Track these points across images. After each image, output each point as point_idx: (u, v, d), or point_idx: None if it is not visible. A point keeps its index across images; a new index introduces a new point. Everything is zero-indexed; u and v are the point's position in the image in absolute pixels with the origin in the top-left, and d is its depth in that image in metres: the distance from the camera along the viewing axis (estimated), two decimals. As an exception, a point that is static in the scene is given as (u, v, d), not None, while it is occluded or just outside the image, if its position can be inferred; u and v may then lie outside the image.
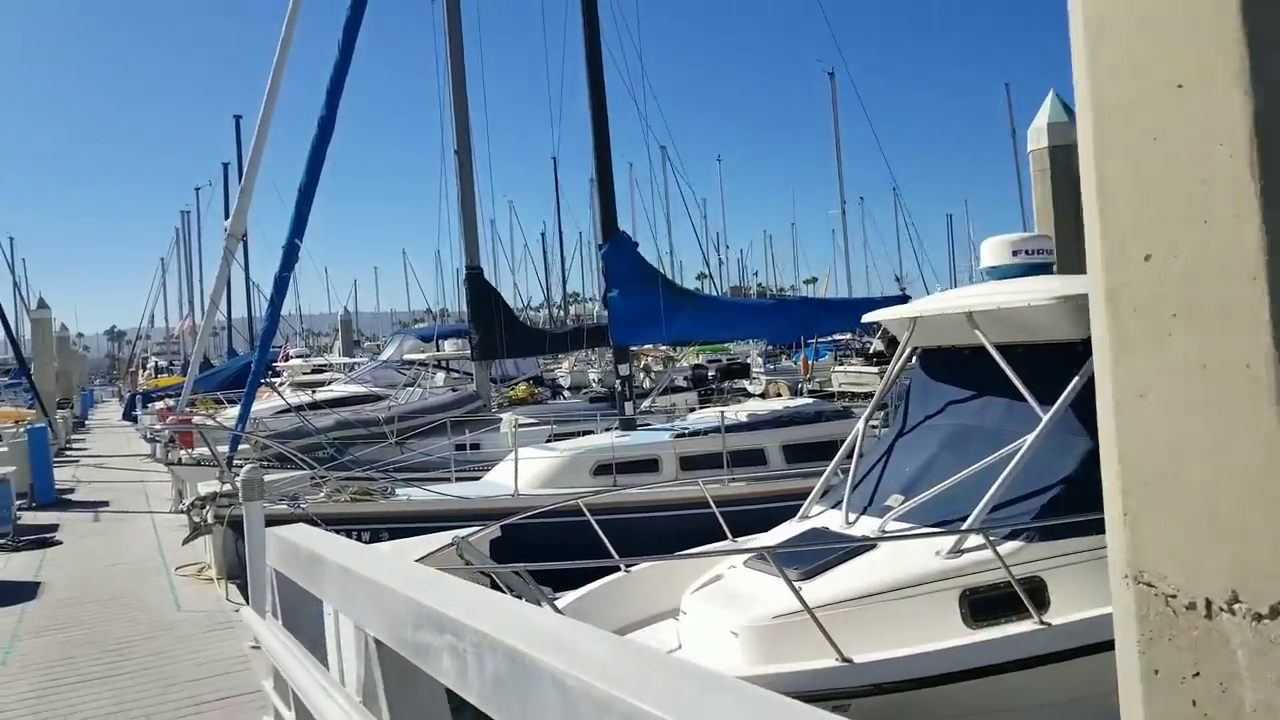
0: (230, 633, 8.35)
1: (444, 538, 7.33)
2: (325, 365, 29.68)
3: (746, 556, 6.29)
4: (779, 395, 19.51)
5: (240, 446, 11.36)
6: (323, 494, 10.22)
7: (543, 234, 57.48)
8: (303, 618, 3.47)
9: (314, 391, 21.21)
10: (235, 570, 10.09)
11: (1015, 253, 6.89)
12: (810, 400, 13.27)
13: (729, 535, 7.59)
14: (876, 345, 37.48)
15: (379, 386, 21.34)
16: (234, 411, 19.50)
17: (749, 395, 23.16)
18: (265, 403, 18.15)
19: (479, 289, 16.49)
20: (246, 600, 9.20)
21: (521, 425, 15.94)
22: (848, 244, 47.68)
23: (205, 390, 21.81)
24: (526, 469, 10.76)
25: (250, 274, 37.15)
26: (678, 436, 11.16)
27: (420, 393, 19.96)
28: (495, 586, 5.75)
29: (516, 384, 19.09)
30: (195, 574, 10.63)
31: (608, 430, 14.14)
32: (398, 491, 10.45)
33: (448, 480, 12.01)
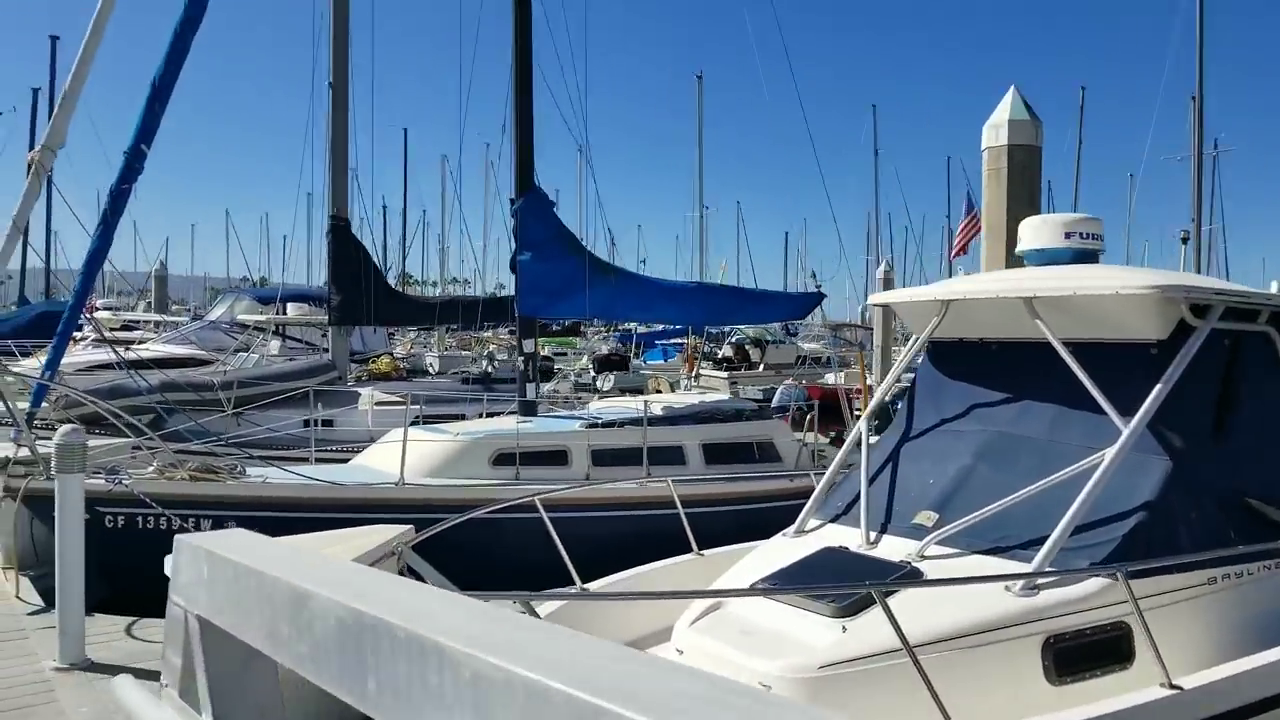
0: (20, 646, 6.29)
1: (362, 538, 5.64)
2: (137, 322, 26.12)
3: (752, 580, 5.05)
4: (658, 392, 18.38)
5: (44, 403, 9.05)
6: (151, 468, 8.16)
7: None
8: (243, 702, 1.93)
9: (127, 349, 18.30)
10: (28, 560, 7.89)
11: (1068, 235, 5.97)
12: (726, 397, 12.19)
13: (693, 544, 6.33)
14: (725, 351, 37.19)
15: (205, 350, 18.69)
16: (29, 363, 16.55)
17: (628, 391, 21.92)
18: (70, 356, 15.34)
19: (344, 243, 14.46)
20: (48, 603, 7.13)
21: (382, 403, 14.22)
22: (704, 250, 47.44)
23: (-10, 338, 18.44)
24: (409, 454, 9.07)
25: (51, 214, 32.47)
26: (589, 427, 9.77)
27: (255, 359, 17.56)
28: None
29: (378, 356, 17.05)
30: (-30, 561, 8.31)
31: (491, 416, 12.57)
32: (248, 470, 8.52)
33: (305, 461, 10.13)
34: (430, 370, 18.78)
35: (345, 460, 10.99)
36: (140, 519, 7.75)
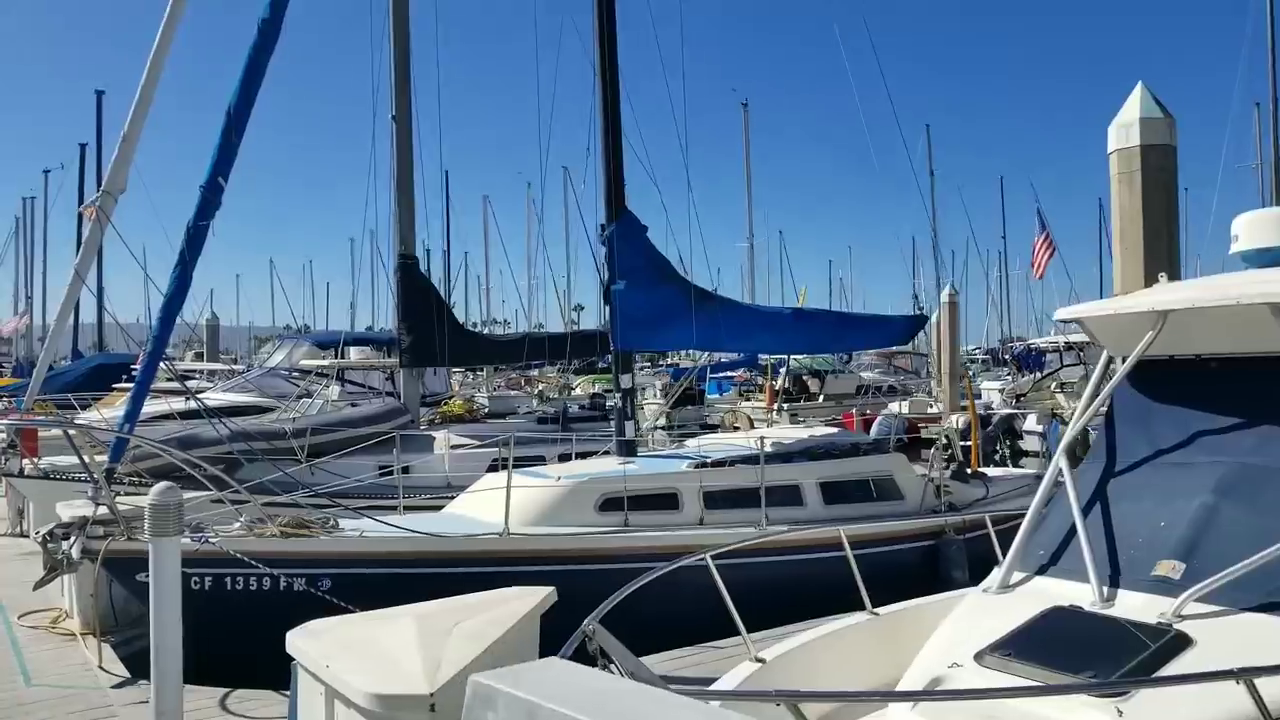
0: (103, 715, 5.63)
1: (502, 606, 4.90)
2: (194, 372, 25.88)
3: (976, 649, 4.23)
4: (736, 429, 17.57)
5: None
6: (237, 525, 7.53)
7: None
8: None
9: (187, 400, 17.90)
10: (109, 625, 7.27)
11: (1304, 230, 5.14)
12: (835, 430, 11.37)
13: (866, 599, 5.52)
14: (781, 382, 36.14)
15: (267, 397, 18.22)
16: (89, 414, 16.16)
17: (706, 428, 21.08)
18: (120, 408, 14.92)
19: (413, 282, 13.93)
20: (133, 672, 6.49)
21: (458, 447, 13.57)
22: (754, 276, 46.75)
23: (49, 393, 18.13)
24: (513, 503, 8.37)
25: (102, 266, 32.52)
26: (697, 466, 9.00)
27: (319, 405, 17.04)
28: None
29: (451, 399, 16.44)
30: (48, 625, 7.71)
31: (573, 457, 11.87)
32: (341, 523, 7.86)
33: (391, 510, 9.47)
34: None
35: (434, 509, 10.34)
36: (230, 579, 7.11)
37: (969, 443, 12.55)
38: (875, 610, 5.53)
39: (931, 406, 30.65)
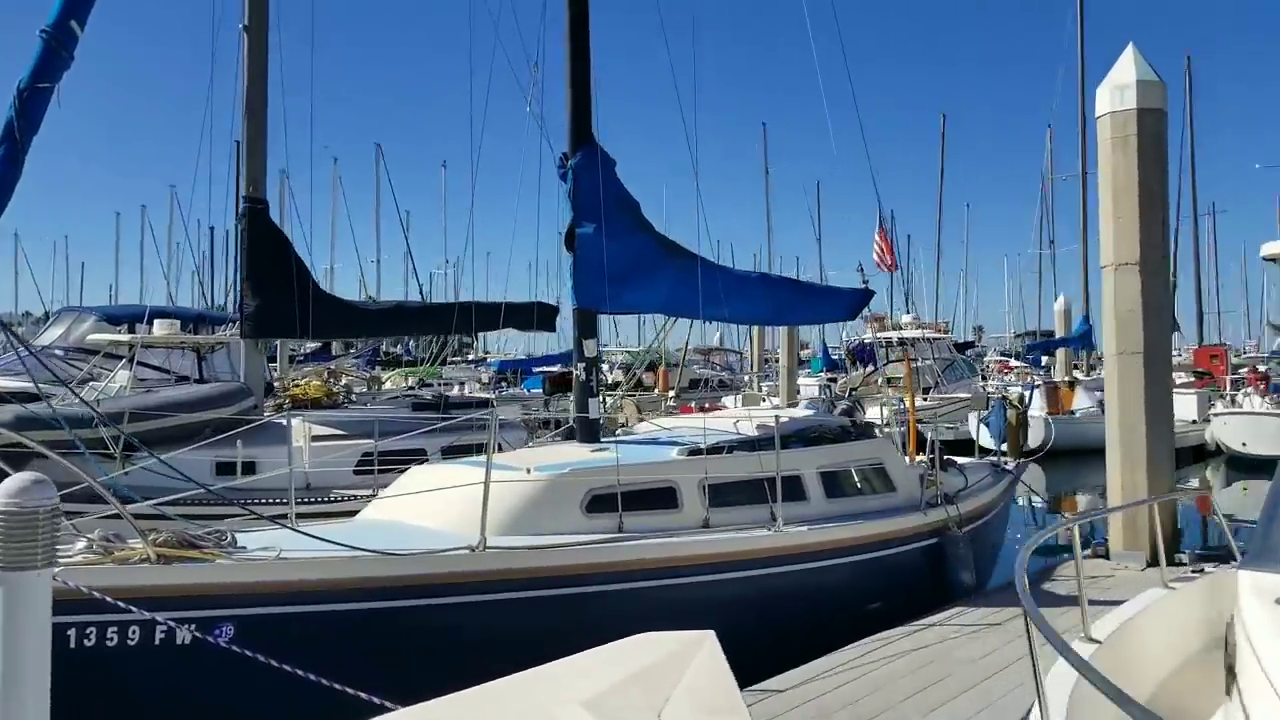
0: None
1: (660, 673, 2.97)
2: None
3: None
4: (622, 424, 15.85)
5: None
6: (78, 546, 5.03)
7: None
8: None
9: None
10: None
11: None
12: (810, 411, 9.95)
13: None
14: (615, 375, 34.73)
15: (38, 383, 14.56)
16: None
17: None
18: None
19: (262, 231, 11.27)
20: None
21: (320, 439, 11.09)
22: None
23: None
24: (460, 506, 6.33)
25: None
26: (691, 454, 7.30)
27: (115, 390, 13.76)
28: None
29: (305, 375, 13.68)
30: None
31: (473, 450, 9.85)
32: (235, 538, 5.52)
33: (266, 517, 7.12)
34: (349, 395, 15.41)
35: (325, 516, 8.04)
36: (80, 632, 4.66)
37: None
38: (1093, 637, 4.15)
39: (763, 401, 30.50)
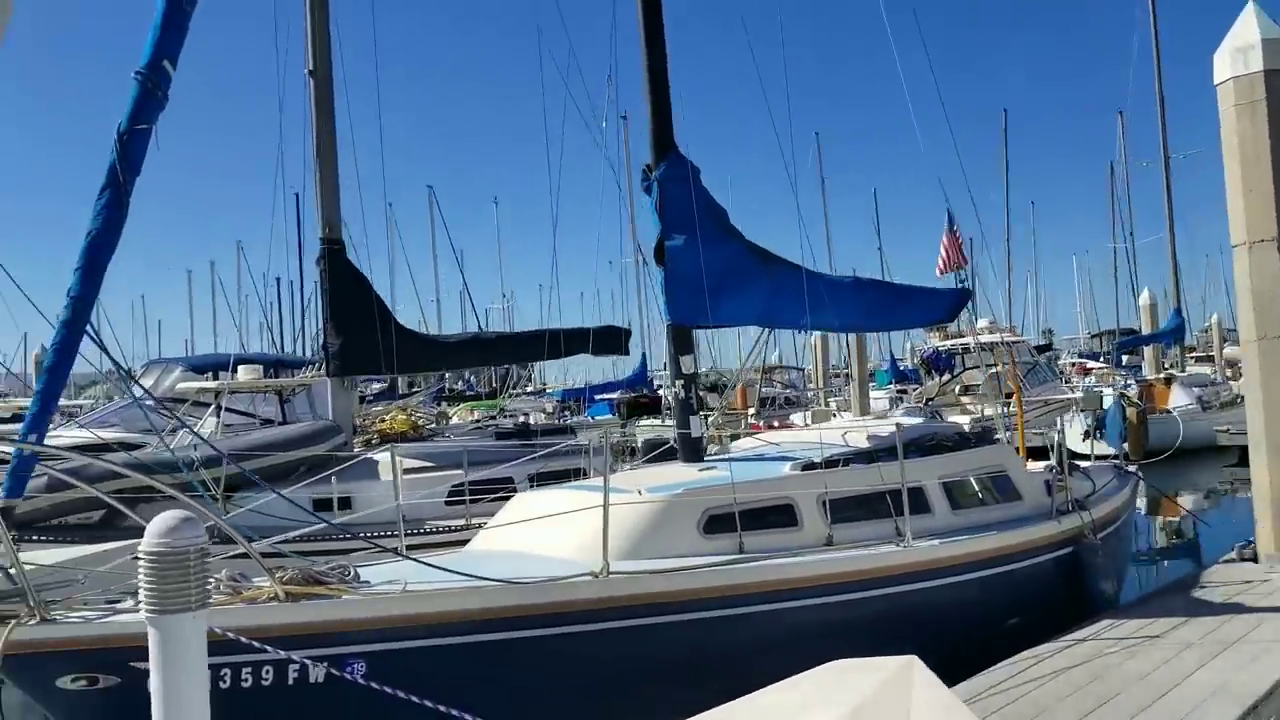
0: None
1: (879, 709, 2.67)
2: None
3: None
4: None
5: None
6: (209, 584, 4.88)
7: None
8: None
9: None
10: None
11: None
12: (920, 417, 9.55)
13: None
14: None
15: (134, 431, 14.84)
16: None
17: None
18: None
19: (341, 271, 11.28)
20: None
21: (409, 471, 10.99)
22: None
23: None
24: (574, 532, 6.09)
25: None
26: (805, 469, 6.96)
27: (210, 432, 13.88)
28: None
29: (390, 410, 13.68)
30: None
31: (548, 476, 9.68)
32: (358, 573, 5.34)
33: (384, 549, 6.97)
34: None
35: (432, 548, 7.85)
36: (218, 673, 4.51)
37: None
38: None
39: (834, 416, 29.81)
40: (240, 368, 15.79)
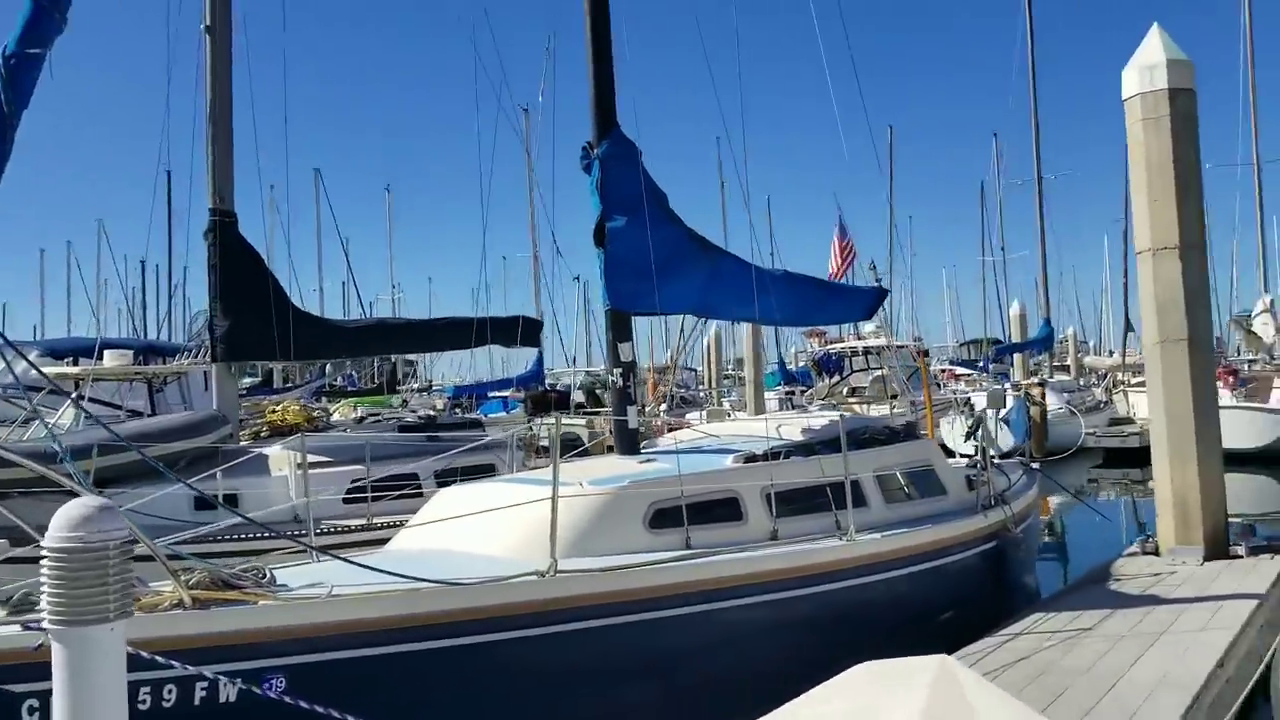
0: None
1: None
2: None
3: None
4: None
5: None
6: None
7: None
8: None
9: None
10: None
11: None
12: (836, 413, 9.40)
13: None
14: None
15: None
16: None
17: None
18: None
19: (233, 247, 10.44)
20: None
21: (314, 466, 10.24)
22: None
23: None
24: (511, 528, 5.68)
25: None
26: (747, 461, 6.73)
27: (68, 425, 12.68)
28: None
29: (283, 401, 12.75)
30: None
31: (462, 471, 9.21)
32: (273, 575, 4.77)
33: (294, 549, 6.40)
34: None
35: (355, 547, 7.28)
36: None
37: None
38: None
39: (729, 417, 30.01)
40: (106, 353, 14.52)
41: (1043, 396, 24.29)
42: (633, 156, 7.40)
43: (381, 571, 4.67)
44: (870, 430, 7.89)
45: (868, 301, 9.88)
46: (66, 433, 11.63)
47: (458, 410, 35.49)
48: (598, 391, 34.34)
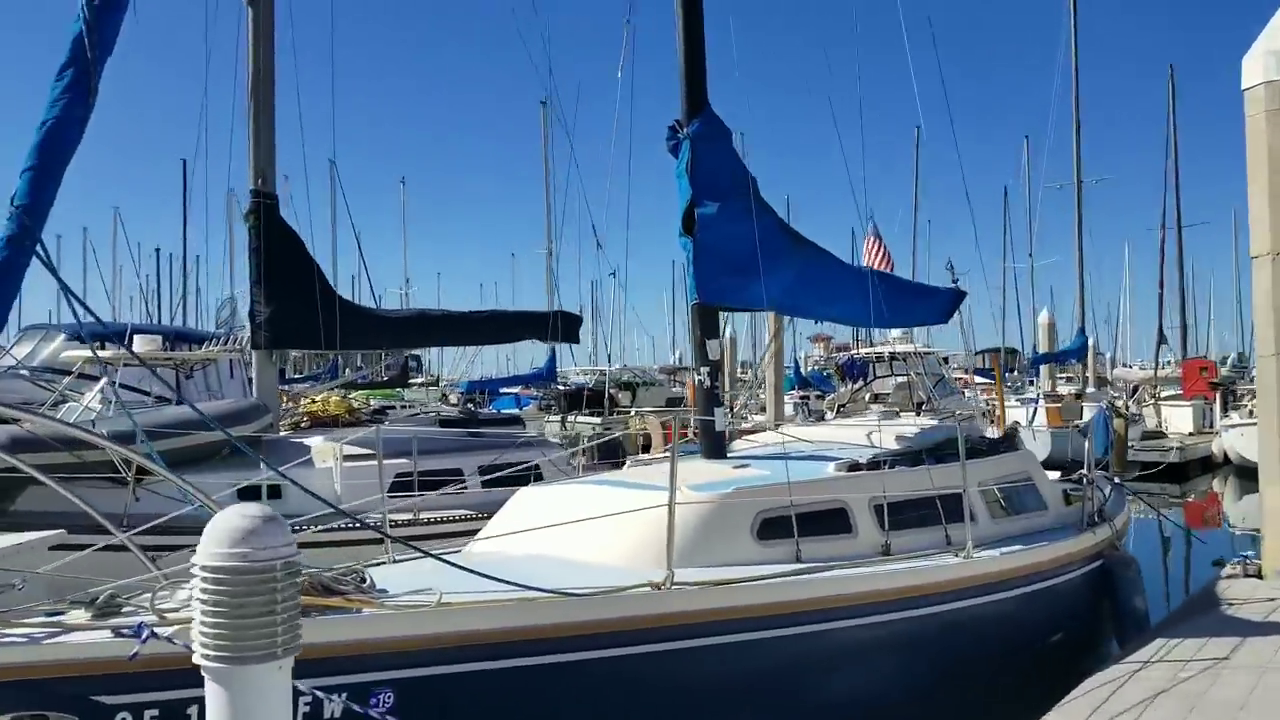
0: None
1: None
2: None
3: None
4: (645, 447, 14.70)
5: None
6: (182, 593, 3.78)
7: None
8: None
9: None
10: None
11: None
12: (935, 422, 8.88)
13: None
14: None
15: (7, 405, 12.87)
16: None
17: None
18: None
19: (274, 230, 9.95)
20: None
21: (349, 458, 9.81)
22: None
23: None
24: (612, 534, 5.18)
25: None
26: (850, 469, 6.22)
27: (96, 411, 12.20)
28: None
29: (321, 392, 12.28)
30: None
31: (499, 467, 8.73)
32: (372, 579, 4.28)
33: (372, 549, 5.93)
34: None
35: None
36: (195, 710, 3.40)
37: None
38: None
39: (748, 419, 29.49)
40: (136, 338, 14.03)
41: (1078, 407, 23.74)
42: (725, 137, 6.88)
43: (487, 577, 4.17)
44: (970, 440, 7.38)
45: (946, 304, 9.40)
46: (98, 417, 11.15)
47: (470, 405, 34.99)
48: (613, 391, 33.83)
